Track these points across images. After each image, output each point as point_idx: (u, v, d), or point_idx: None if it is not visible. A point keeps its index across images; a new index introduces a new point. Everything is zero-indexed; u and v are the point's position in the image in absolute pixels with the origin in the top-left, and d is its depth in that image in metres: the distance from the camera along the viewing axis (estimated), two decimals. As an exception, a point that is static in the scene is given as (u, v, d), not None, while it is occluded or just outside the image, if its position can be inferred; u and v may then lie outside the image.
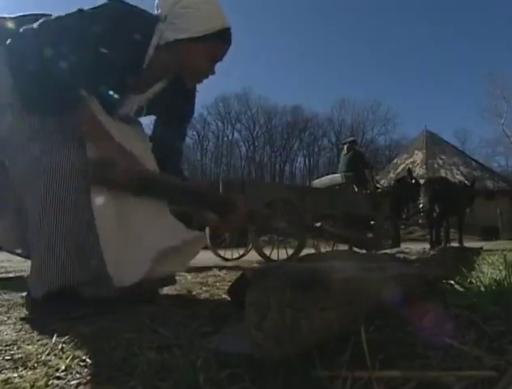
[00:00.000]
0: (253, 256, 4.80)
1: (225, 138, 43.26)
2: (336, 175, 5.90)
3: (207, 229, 5.12)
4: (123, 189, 1.21)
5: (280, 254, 4.37)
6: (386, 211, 6.11)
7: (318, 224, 5.56)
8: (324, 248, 6.31)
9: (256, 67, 66.52)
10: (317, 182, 6.34)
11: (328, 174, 6.70)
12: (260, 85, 73.12)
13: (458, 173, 21.00)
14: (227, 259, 4.92)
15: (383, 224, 5.58)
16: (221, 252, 5.11)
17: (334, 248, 6.31)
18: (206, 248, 5.32)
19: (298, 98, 77.02)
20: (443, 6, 58.88)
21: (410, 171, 7.39)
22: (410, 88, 65.86)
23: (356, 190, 5.79)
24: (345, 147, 6.51)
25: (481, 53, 58.40)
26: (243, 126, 43.51)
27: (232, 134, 43.67)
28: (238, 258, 5.13)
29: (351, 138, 6.96)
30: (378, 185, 6.70)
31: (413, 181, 6.77)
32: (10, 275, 2.84)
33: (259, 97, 43.80)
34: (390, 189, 6.91)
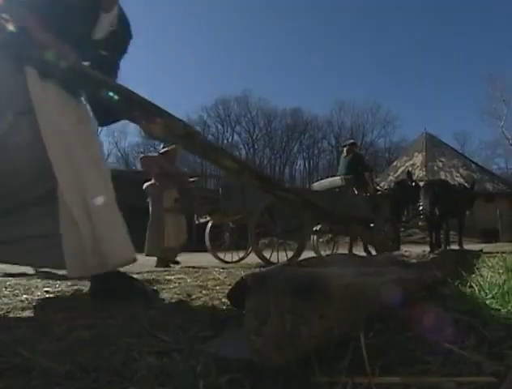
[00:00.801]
0: (253, 259, 4.80)
1: (225, 141, 43.27)
2: (336, 178, 5.90)
3: (207, 235, 5.13)
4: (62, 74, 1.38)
5: (280, 256, 4.36)
6: (386, 214, 6.11)
7: (318, 227, 5.57)
8: (324, 251, 6.31)
9: (256, 69, 66.71)
10: (317, 185, 6.34)
11: (328, 177, 6.69)
12: (260, 87, 73.19)
13: (458, 175, 21.00)
14: (226, 262, 4.92)
15: (383, 226, 5.57)
16: (221, 255, 5.11)
17: (334, 251, 6.31)
18: (205, 251, 5.32)
19: (298, 100, 77.04)
20: (443, 6, 59.01)
21: (410, 174, 7.40)
22: (409, 90, 65.94)
23: (356, 192, 5.79)
24: (345, 149, 6.52)
25: (481, 53, 58.44)
26: (243, 128, 43.61)
27: (232, 137, 43.79)
28: (238, 261, 5.12)
29: (350, 141, 6.96)
30: (378, 188, 6.70)
31: (413, 184, 6.78)
32: (10, 278, 2.84)
33: (259, 100, 43.92)
34: (390, 191, 6.91)
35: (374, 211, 5.50)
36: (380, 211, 5.70)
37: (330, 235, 6.29)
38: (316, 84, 65.55)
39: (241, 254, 5.30)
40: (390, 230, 5.75)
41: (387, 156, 40.26)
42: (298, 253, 4.44)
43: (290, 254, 4.53)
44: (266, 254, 4.35)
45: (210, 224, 5.18)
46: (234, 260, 5.10)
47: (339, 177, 5.79)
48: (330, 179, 6.11)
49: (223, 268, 3.44)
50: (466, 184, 8.29)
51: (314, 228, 5.48)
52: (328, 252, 6.15)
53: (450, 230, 6.79)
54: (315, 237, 6.07)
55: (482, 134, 78.14)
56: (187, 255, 4.42)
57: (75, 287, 2.03)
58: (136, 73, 58.38)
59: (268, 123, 43.35)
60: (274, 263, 3.85)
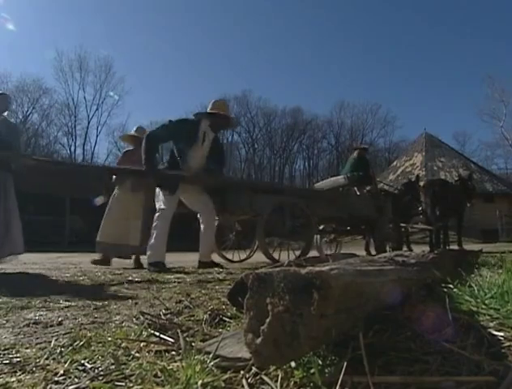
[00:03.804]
0: (257, 258, 4.80)
1: (225, 141, 43.29)
2: (339, 177, 5.87)
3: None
4: None
5: (285, 255, 4.34)
6: (389, 214, 6.08)
7: (321, 227, 5.56)
8: (326, 250, 6.30)
9: (256, 69, 66.68)
10: (320, 185, 6.30)
11: (328, 177, 6.67)
12: (260, 87, 73.16)
13: (458, 175, 20.98)
14: (231, 261, 4.90)
15: (386, 226, 5.55)
16: (225, 253, 5.08)
17: (337, 251, 6.31)
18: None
19: (298, 100, 77.07)
20: (444, 6, 59.00)
21: (417, 177, 7.42)
22: (409, 90, 65.99)
23: (358, 192, 5.78)
24: (356, 152, 6.45)
25: (481, 54, 58.54)
26: (243, 128, 43.58)
27: (232, 137, 43.77)
28: (243, 260, 5.10)
29: (364, 146, 6.91)
30: (385, 187, 6.70)
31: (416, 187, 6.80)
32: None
33: (259, 99, 43.91)
34: (398, 192, 6.88)
35: (378, 211, 5.47)
36: (383, 211, 5.66)
37: (333, 235, 6.28)
38: (316, 84, 65.61)
39: (246, 254, 5.27)
40: (395, 230, 5.73)
41: (387, 156, 40.28)
42: (304, 252, 4.42)
43: (292, 253, 4.51)
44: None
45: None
46: (239, 259, 5.08)
47: (342, 176, 5.76)
48: (333, 178, 6.08)
49: (222, 268, 3.44)
50: (464, 176, 8.21)
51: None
52: (331, 252, 6.15)
53: (449, 230, 6.79)
54: (318, 236, 6.05)
55: (482, 134, 77.92)
56: (193, 254, 4.36)
57: (75, 286, 2.04)
58: (136, 73, 58.34)
59: (268, 123, 43.38)
60: (277, 261, 3.84)
